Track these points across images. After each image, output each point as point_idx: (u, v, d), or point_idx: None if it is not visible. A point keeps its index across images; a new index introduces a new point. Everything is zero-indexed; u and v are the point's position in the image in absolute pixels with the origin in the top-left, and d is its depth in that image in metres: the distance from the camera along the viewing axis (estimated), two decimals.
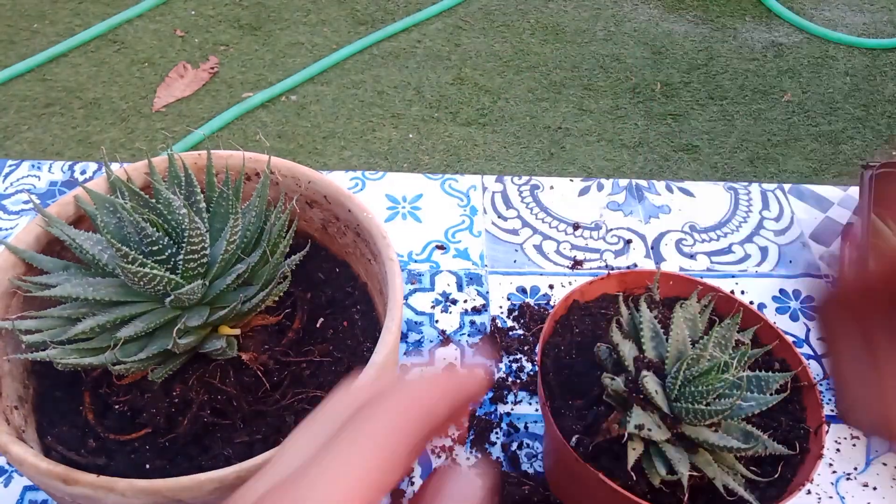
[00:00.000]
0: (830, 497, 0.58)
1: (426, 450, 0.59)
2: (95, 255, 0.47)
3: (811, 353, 0.68)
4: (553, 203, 0.80)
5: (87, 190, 0.50)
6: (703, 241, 0.77)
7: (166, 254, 0.46)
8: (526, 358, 0.65)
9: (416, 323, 0.68)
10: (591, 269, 0.73)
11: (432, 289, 0.71)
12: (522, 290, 0.71)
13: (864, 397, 0.51)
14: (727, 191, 0.82)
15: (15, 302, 0.49)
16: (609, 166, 1.53)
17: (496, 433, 0.60)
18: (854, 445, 0.61)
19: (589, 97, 1.69)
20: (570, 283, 0.72)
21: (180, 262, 0.46)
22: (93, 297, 0.45)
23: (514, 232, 0.76)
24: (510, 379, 0.64)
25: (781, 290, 0.72)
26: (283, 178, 0.57)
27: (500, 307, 0.69)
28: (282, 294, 0.51)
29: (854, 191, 0.82)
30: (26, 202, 0.76)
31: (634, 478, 0.44)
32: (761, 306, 0.71)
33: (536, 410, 0.62)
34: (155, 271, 0.44)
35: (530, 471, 0.58)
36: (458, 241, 0.75)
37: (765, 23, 1.92)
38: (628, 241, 0.76)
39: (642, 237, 0.77)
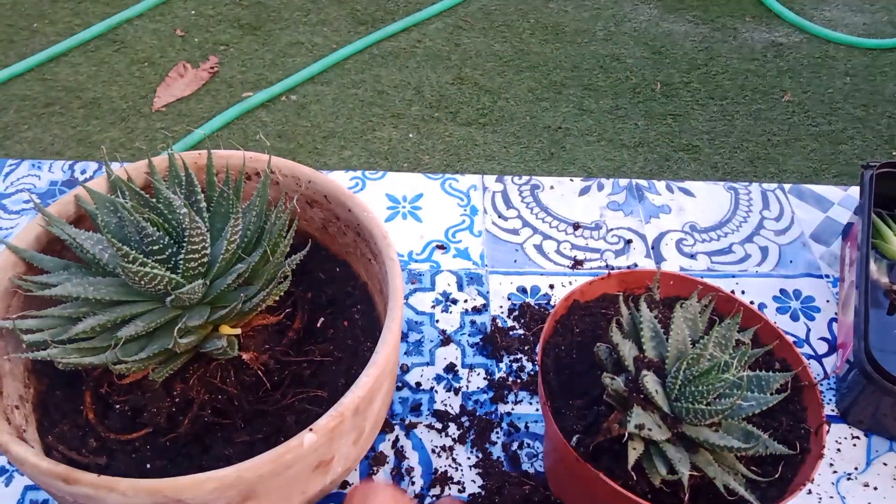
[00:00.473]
0: (831, 497, 0.58)
1: (427, 449, 0.59)
2: (96, 255, 0.47)
3: (811, 353, 0.68)
4: (553, 203, 0.80)
5: (88, 189, 0.50)
6: (704, 240, 0.77)
7: (167, 253, 0.46)
8: (526, 358, 0.65)
9: (416, 322, 0.68)
10: (591, 268, 0.73)
11: (433, 288, 0.71)
12: (523, 290, 0.71)
13: None
14: (727, 191, 0.82)
15: (16, 301, 0.49)
16: (609, 166, 1.53)
17: (497, 433, 0.60)
18: (854, 445, 0.61)
19: (589, 97, 1.69)
20: (570, 283, 0.72)
21: (181, 262, 0.46)
22: (93, 296, 0.45)
23: (515, 232, 0.76)
24: (510, 379, 0.64)
25: (782, 290, 0.72)
26: (284, 178, 0.57)
27: (501, 307, 0.69)
28: (282, 294, 0.51)
29: (854, 191, 0.82)
30: (27, 202, 0.76)
31: (635, 477, 0.44)
32: (762, 306, 0.71)
33: (537, 410, 0.62)
34: (155, 271, 0.44)
35: (531, 470, 0.58)
36: (459, 241, 0.75)
37: (765, 23, 1.92)
38: (629, 241, 0.76)
39: (642, 237, 0.77)
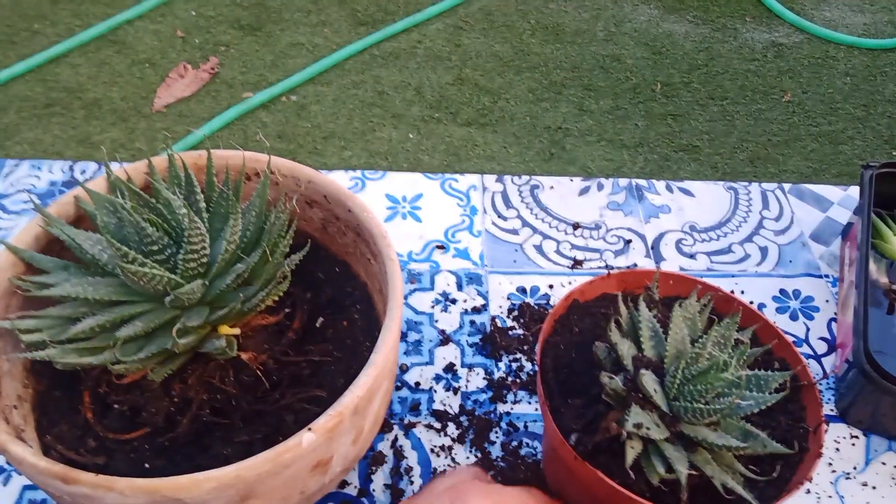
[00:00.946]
0: (830, 496, 0.58)
1: (425, 449, 0.59)
2: (95, 255, 0.47)
3: (811, 352, 0.68)
4: (553, 203, 0.80)
5: (87, 190, 0.50)
6: (703, 240, 0.77)
7: (166, 253, 0.46)
8: (526, 358, 0.65)
9: (415, 322, 0.68)
10: (591, 268, 0.73)
11: (432, 288, 0.71)
12: (522, 290, 0.71)
13: None
14: (727, 191, 0.82)
15: (14, 301, 0.49)
16: (609, 166, 1.53)
17: (496, 432, 0.60)
18: (853, 445, 0.61)
19: (589, 97, 1.69)
20: (570, 283, 0.72)
21: (180, 262, 0.46)
22: (92, 296, 0.45)
23: (514, 232, 0.76)
24: (510, 379, 0.64)
25: (781, 290, 0.72)
26: (284, 178, 0.57)
27: (500, 307, 0.69)
28: (282, 294, 0.51)
29: (854, 191, 0.82)
30: (26, 202, 0.76)
31: (633, 476, 0.44)
32: (761, 306, 0.71)
33: (536, 410, 0.62)
34: (154, 271, 0.44)
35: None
36: (458, 241, 0.75)
37: (765, 23, 1.92)
38: (628, 241, 0.76)
39: (642, 237, 0.77)
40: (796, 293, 0.72)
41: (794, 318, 0.70)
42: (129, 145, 1.52)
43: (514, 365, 0.65)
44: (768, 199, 0.82)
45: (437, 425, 0.61)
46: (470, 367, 0.65)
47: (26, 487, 0.56)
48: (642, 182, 0.82)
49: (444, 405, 0.62)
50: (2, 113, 1.56)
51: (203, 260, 0.46)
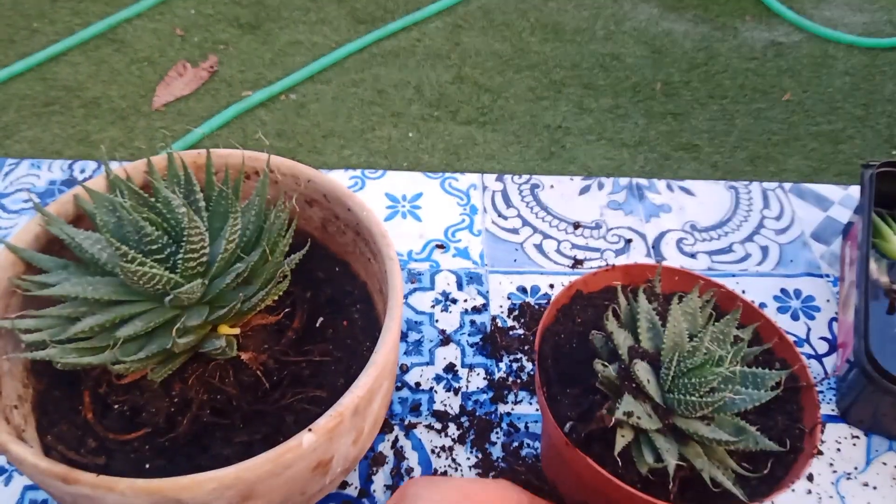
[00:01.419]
0: (831, 497, 0.58)
1: (426, 449, 0.59)
2: (94, 254, 0.47)
3: (812, 352, 0.68)
4: (553, 202, 0.79)
5: (87, 189, 0.50)
6: (704, 240, 0.77)
7: (165, 253, 0.46)
8: (526, 358, 0.65)
9: (416, 322, 0.68)
10: (591, 268, 0.73)
11: (432, 288, 0.71)
12: (523, 290, 0.71)
13: None
14: (728, 190, 0.82)
15: (14, 301, 0.48)
16: (609, 165, 1.52)
17: (496, 433, 0.60)
18: (854, 445, 0.61)
19: (589, 96, 1.69)
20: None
21: (179, 261, 0.45)
22: (92, 296, 0.45)
23: (515, 231, 0.76)
24: (510, 379, 0.64)
25: (782, 290, 0.72)
26: (283, 177, 0.57)
27: (501, 306, 0.69)
28: (281, 293, 0.50)
29: (854, 190, 0.82)
30: (26, 201, 0.76)
31: (621, 464, 0.44)
32: (762, 306, 0.71)
33: (536, 410, 0.62)
34: (154, 270, 0.43)
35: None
36: (458, 241, 0.75)
37: (765, 22, 1.92)
38: (629, 241, 0.76)
39: (643, 236, 0.77)
40: (797, 293, 0.72)
41: (795, 317, 0.70)
42: (128, 144, 1.51)
43: (515, 365, 0.65)
44: (769, 198, 0.82)
45: (438, 426, 0.61)
46: (470, 367, 0.65)
47: (27, 487, 0.56)
48: (643, 181, 0.82)
49: (445, 405, 0.62)
50: (1, 111, 1.56)
51: (203, 259, 0.46)
